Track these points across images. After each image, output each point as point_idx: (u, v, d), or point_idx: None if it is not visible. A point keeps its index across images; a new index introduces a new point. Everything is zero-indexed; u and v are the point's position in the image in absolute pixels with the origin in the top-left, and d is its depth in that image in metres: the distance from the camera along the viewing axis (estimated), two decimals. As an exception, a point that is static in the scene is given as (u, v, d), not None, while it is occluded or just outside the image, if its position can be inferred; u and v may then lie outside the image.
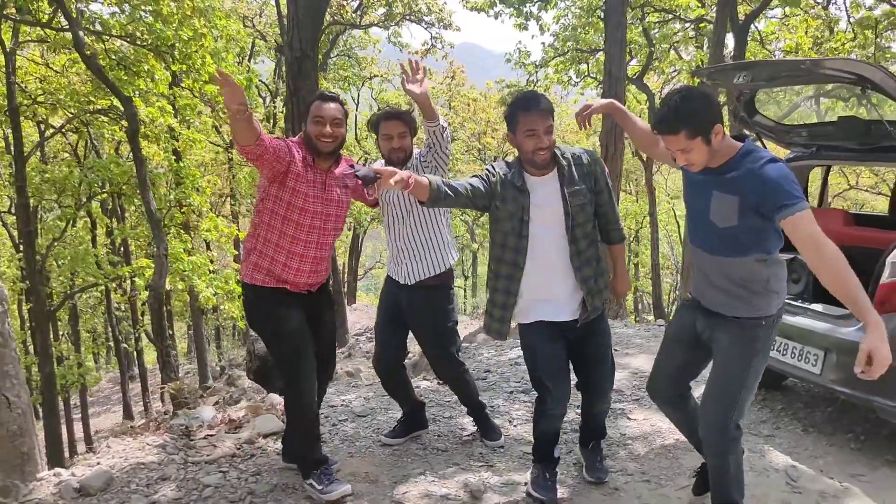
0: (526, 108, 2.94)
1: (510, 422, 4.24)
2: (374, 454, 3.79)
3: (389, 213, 3.66)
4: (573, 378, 3.34)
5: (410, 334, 3.79)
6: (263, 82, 22.19)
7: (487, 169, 3.09)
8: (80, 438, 18.37)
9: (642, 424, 4.18)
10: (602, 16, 16.25)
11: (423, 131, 3.52)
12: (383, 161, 3.69)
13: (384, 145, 3.57)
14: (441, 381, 4.97)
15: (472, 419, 4.11)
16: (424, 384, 4.95)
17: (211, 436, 3.95)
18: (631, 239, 28.60)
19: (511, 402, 4.56)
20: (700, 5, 15.89)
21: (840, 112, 4.46)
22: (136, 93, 12.17)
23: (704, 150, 2.54)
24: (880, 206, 21.25)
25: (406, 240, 3.62)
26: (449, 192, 2.88)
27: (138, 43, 12.14)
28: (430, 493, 3.36)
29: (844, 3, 14.93)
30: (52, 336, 20.82)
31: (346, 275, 28.79)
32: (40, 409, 14.20)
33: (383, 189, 3.35)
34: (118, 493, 3.29)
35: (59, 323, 23.42)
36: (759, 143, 3.84)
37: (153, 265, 10.79)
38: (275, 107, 20.92)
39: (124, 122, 12.62)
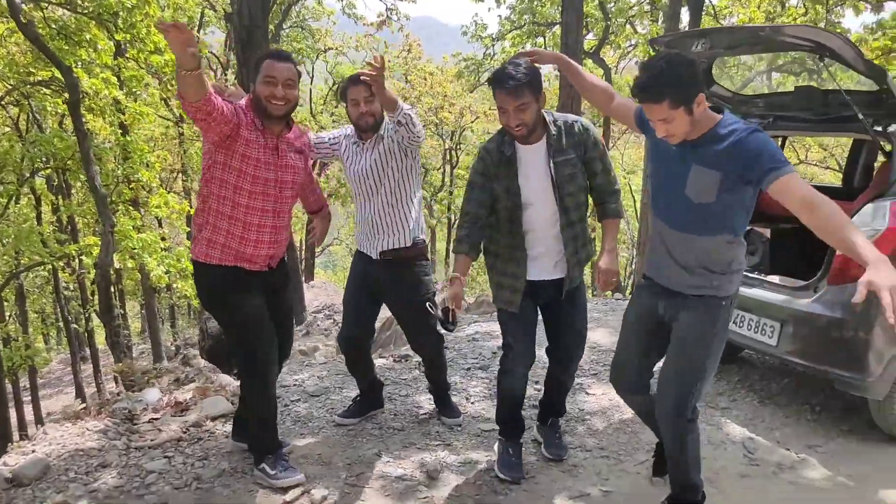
0: (497, 86, 2.89)
1: (467, 399, 4.16)
2: (328, 435, 3.67)
3: (361, 186, 3.48)
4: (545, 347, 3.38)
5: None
6: (213, 54, 21.58)
7: (475, 172, 3.11)
8: (31, 421, 17.87)
9: (601, 399, 4.14)
10: (559, -12, 16.14)
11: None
12: (352, 128, 3.52)
13: (352, 112, 3.39)
14: (398, 359, 4.88)
15: (430, 397, 4.05)
16: (380, 361, 4.84)
17: (156, 419, 3.78)
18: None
19: (468, 379, 4.48)
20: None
21: (794, 84, 4.43)
22: (79, 63, 11.69)
23: (686, 120, 2.39)
24: (828, 180, 21.69)
25: (378, 213, 3.47)
26: (481, 232, 3.11)
27: (79, 11, 11.65)
28: (386, 475, 3.26)
29: (796, -24, 15.05)
30: (-6, 316, 20.25)
31: (303, 251, 28.43)
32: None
33: (351, 160, 3.48)
34: (55, 482, 3.11)
35: (6, 304, 22.72)
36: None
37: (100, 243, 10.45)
38: (226, 79, 20.35)
39: (66, 94, 12.13)
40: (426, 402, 4.08)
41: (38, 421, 17.55)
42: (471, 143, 27.62)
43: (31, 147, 14.57)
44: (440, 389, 3.92)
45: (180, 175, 23.79)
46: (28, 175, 16.53)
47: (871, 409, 3.63)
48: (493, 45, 19.00)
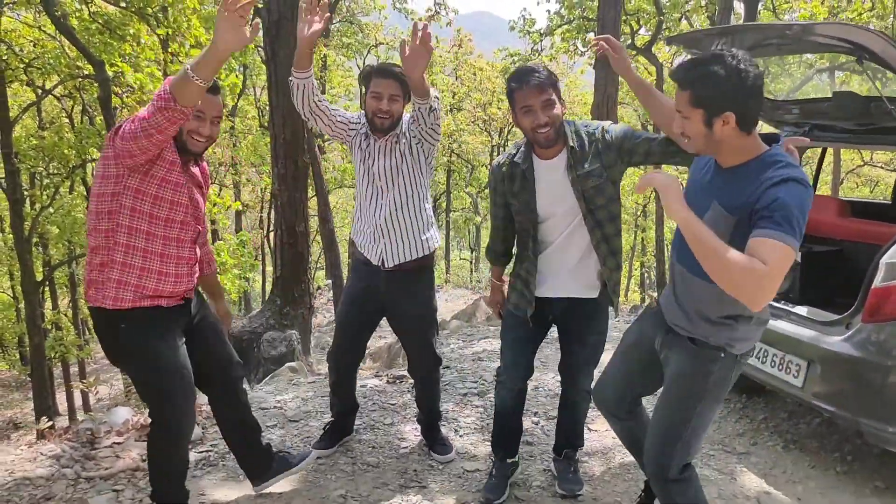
0: (519, 84, 2.67)
1: (456, 430, 3.81)
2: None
3: (371, 185, 3.20)
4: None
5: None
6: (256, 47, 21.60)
7: (494, 189, 2.96)
8: (80, 407, 18.22)
9: (604, 437, 3.75)
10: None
11: (413, 104, 3.02)
12: (364, 117, 3.18)
13: (371, 104, 3.05)
14: (392, 380, 4.56)
15: (416, 427, 3.76)
16: (373, 382, 4.53)
17: (118, 443, 3.55)
18: (638, 213, 28.00)
19: (462, 407, 4.12)
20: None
21: (839, 87, 3.94)
22: (125, 58, 11.73)
23: (702, 130, 2.05)
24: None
25: (386, 217, 3.18)
26: (504, 243, 3.11)
27: (122, 5, 11.70)
28: (347, 521, 2.95)
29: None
30: (49, 306, 20.74)
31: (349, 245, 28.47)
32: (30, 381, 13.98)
33: (364, 156, 3.18)
34: (-10, 515, 2.90)
35: (61, 291, 23.26)
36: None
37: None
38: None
39: (116, 89, 12.20)
40: (411, 433, 3.75)
41: (87, 407, 17.89)
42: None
43: (81, 139, 14.81)
44: (431, 419, 3.61)
45: (230, 169, 23.95)
46: (75, 166, 16.75)
47: (909, 467, 3.15)
48: (542, 40, 18.47)
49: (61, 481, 3.17)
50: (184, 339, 2.68)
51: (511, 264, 3.14)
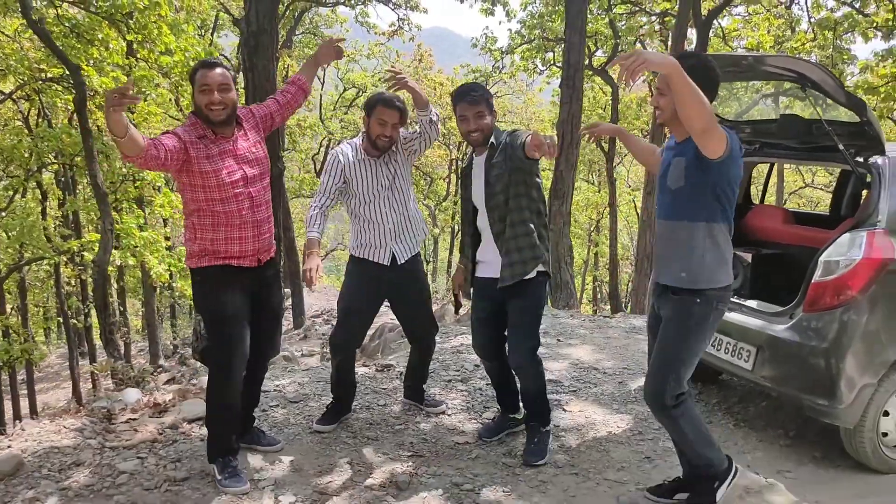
0: (458, 99, 3.44)
1: (445, 411, 4.18)
2: (302, 442, 3.70)
3: (371, 200, 3.71)
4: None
5: None
6: (226, 56, 21.71)
7: (462, 194, 3.77)
8: (27, 415, 17.93)
9: (577, 416, 4.17)
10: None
11: (416, 119, 3.72)
12: (363, 136, 3.75)
13: (376, 129, 3.61)
14: (381, 368, 4.91)
15: (408, 408, 4.19)
16: (363, 370, 4.87)
17: (133, 419, 3.82)
18: (591, 229, 28.79)
19: (448, 391, 4.50)
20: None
21: (784, 110, 4.47)
22: (90, 62, 11.82)
23: (672, 103, 2.68)
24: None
25: (395, 221, 3.75)
26: (471, 240, 3.74)
27: (92, 10, 11.78)
28: (355, 483, 3.29)
29: (806, 3, 15.08)
30: (-2, 309, 20.32)
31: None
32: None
33: (364, 175, 3.69)
34: (27, 479, 3.15)
35: (8, 296, 22.80)
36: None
37: (101, 240, 10.52)
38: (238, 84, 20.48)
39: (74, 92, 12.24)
40: (403, 413, 4.11)
41: (34, 414, 17.62)
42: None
43: (39, 142, 14.72)
44: (422, 380, 4.20)
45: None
46: (34, 169, 16.63)
47: (841, 437, 3.63)
48: (503, 59, 19.07)
49: (87, 450, 3.45)
50: (249, 298, 3.23)
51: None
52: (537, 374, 3.55)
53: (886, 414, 3.56)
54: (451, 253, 30.10)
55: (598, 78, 19.12)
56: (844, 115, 3.70)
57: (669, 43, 17.61)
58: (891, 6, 13.99)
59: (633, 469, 3.56)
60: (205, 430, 3.66)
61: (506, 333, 3.62)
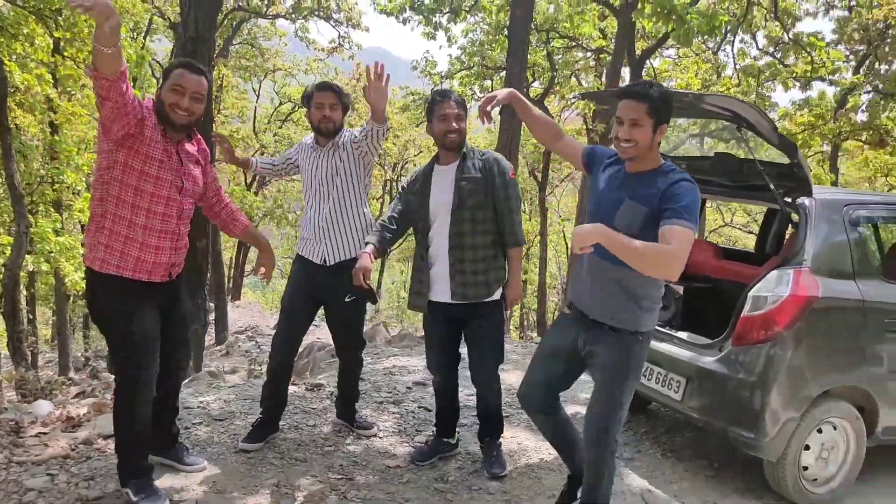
0: (442, 97, 3.44)
1: (377, 434, 4.10)
2: (227, 461, 3.55)
3: (312, 189, 3.74)
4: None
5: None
6: (158, 62, 21.14)
7: (402, 187, 3.63)
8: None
9: (509, 443, 4.14)
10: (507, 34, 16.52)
11: (367, 123, 3.60)
12: (311, 136, 3.83)
13: (315, 114, 3.68)
14: (310, 387, 4.79)
15: (338, 429, 4.09)
16: (292, 389, 4.73)
17: (44, 433, 3.60)
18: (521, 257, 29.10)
19: (380, 413, 4.42)
20: (602, 37, 16.41)
21: (719, 149, 4.63)
22: (13, 57, 11.31)
23: (649, 136, 2.66)
24: (750, 244, 22.59)
25: (327, 218, 3.70)
26: (391, 234, 3.47)
27: (19, 3, 11.30)
28: (281, 506, 3.18)
29: (732, 50, 15.83)
30: None
31: (232, 269, 27.84)
32: None
33: (308, 164, 3.77)
34: (-78, 495, 2.92)
35: None
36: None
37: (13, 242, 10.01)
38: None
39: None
40: (333, 434, 4.01)
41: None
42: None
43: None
44: (353, 400, 4.10)
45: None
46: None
47: (764, 470, 3.73)
48: (442, 83, 19.21)
49: (-8, 466, 3.21)
50: (157, 315, 2.99)
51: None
52: (499, 389, 3.63)
53: (807, 448, 3.67)
54: (381, 273, 29.91)
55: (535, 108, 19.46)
56: (775, 156, 3.86)
57: (603, 79, 18.18)
58: (809, 59, 14.81)
59: (563, 496, 3.55)
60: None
61: (460, 352, 3.66)
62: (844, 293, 3.62)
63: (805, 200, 3.75)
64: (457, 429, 3.87)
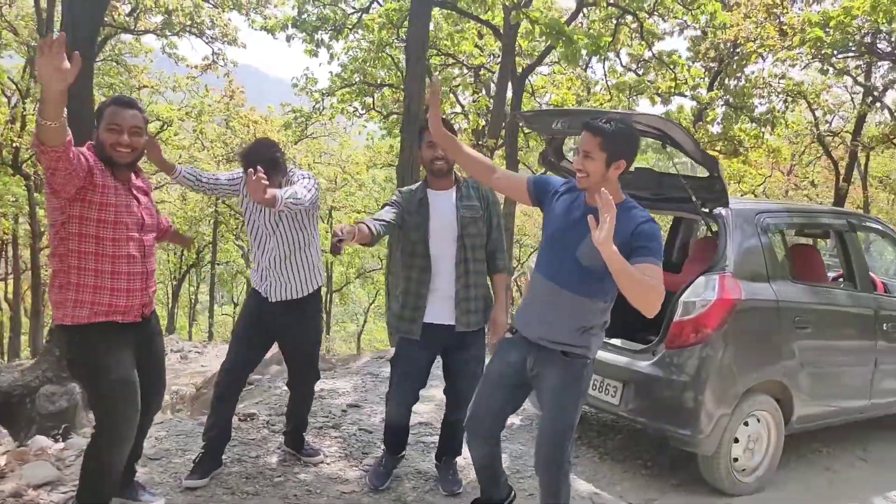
0: (425, 127, 3.30)
1: (323, 460, 4.02)
2: (175, 502, 3.38)
3: (255, 230, 3.61)
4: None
5: None
6: (11, 80, 19.66)
7: (395, 192, 3.55)
8: None
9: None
10: (388, 53, 16.67)
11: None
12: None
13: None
14: (243, 418, 4.62)
15: (283, 458, 3.98)
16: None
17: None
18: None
19: (322, 439, 4.33)
20: (481, 53, 16.88)
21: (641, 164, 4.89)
22: None
23: (602, 170, 2.68)
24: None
25: (270, 260, 3.58)
26: (383, 229, 3.23)
27: None
28: (245, 543, 3.06)
29: (603, 67, 16.73)
30: None
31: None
32: None
33: (246, 206, 3.60)
34: None
35: None
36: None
37: None
38: (24, 108, 18.60)
39: None
40: (280, 464, 3.90)
41: None
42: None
43: None
44: (302, 427, 4.01)
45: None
46: None
47: (699, 464, 3.98)
48: (323, 100, 19.06)
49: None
50: (133, 355, 2.88)
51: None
52: None
53: (736, 441, 3.96)
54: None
55: (416, 124, 19.69)
56: (696, 170, 4.15)
57: (485, 93, 18.71)
58: (673, 76, 15.89)
59: (519, 507, 3.64)
60: (53, 496, 3.27)
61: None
62: (762, 295, 3.95)
63: (722, 210, 4.06)
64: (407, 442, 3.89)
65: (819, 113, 23.70)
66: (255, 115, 26.57)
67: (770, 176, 25.02)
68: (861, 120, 22.55)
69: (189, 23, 18.34)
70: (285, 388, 5.54)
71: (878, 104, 21.86)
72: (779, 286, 4.05)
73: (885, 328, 4.59)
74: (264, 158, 3.32)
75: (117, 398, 2.80)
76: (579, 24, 16.07)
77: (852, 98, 24.54)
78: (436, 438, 4.43)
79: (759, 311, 3.94)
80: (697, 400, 3.76)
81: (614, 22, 14.67)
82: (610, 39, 10.45)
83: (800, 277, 4.34)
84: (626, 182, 4.51)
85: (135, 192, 2.93)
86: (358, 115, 20.10)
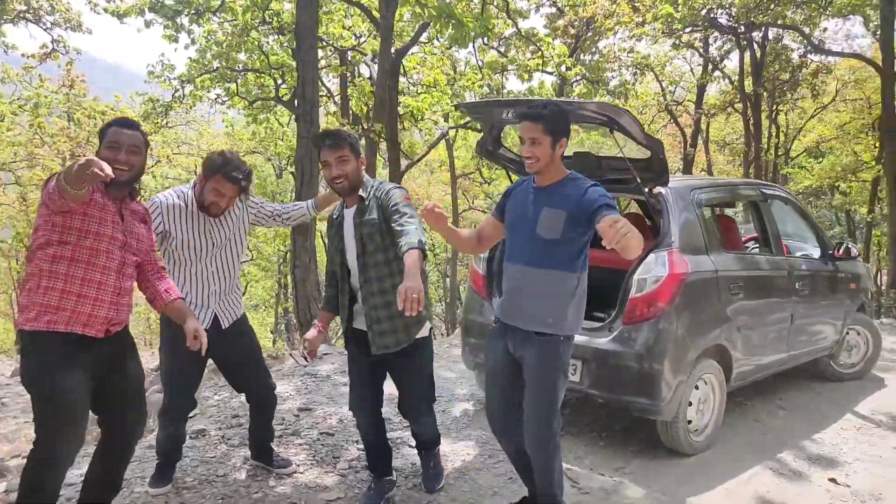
0: (318, 142, 3.23)
1: (297, 470, 3.89)
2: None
3: (193, 258, 3.42)
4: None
5: None
6: None
7: (331, 246, 3.44)
8: None
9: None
10: (253, 36, 16.02)
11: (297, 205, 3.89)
12: (180, 194, 3.46)
13: (212, 197, 3.33)
14: (194, 435, 4.38)
15: (251, 472, 3.84)
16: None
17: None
18: (281, 261, 28.47)
19: (287, 447, 4.18)
20: (352, 36, 16.60)
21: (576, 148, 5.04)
22: None
23: (549, 152, 2.93)
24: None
25: (208, 280, 3.47)
26: (333, 308, 3.48)
27: None
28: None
29: (473, 46, 16.92)
30: None
31: None
32: None
33: (188, 228, 3.38)
34: None
35: None
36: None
37: None
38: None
39: None
40: (252, 480, 3.74)
41: None
42: (149, 188, 25.73)
43: None
44: (269, 439, 3.88)
45: None
46: None
47: (658, 430, 4.22)
48: (183, 88, 18.04)
49: None
50: (89, 376, 2.77)
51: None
52: (433, 422, 3.60)
53: (690, 404, 4.23)
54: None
55: (284, 109, 19.09)
56: (636, 151, 4.34)
57: (350, 76, 18.43)
58: (540, 53, 16.40)
59: (504, 492, 3.72)
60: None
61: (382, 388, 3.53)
62: (704, 267, 4.22)
63: (662, 189, 4.28)
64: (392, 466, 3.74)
65: (665, 83, 25.41)
66: (101, 106, 24.78)
67: (625, 146, 26.41)
68: (702, 89, 24.42)
69: (25, 8, 16.73)
70: (237, 402, 5.34)
71: (717, 73, 23.72)
72: (715, 257, 4.35)
73: (797, 286, 5.04)
74: (245, 172, 3.31)
75: (58, 413, 2.70)
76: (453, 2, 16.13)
77: (692, 69, 26.50)
78: (397, 435, 4.44)
79: (703, 282, 4.21)
80: (657, 370, 3.98)
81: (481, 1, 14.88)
82: (496, 21, 10.60)
83: (727, 247, 4.67)
84: (567, 166, 4.69)
85: (126, 213, 2.89)
86: (220, 101, 19.24)
